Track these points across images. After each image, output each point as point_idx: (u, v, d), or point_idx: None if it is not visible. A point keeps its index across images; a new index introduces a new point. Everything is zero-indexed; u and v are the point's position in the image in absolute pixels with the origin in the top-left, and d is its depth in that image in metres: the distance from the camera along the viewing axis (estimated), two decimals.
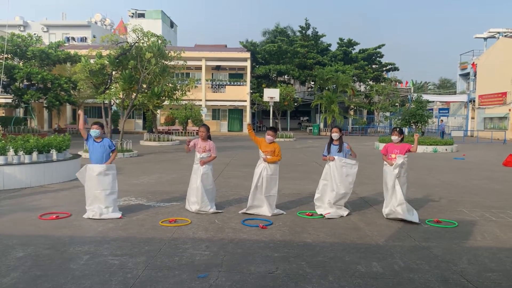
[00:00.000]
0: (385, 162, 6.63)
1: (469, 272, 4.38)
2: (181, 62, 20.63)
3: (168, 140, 23.22)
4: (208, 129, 6.99)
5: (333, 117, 36.69)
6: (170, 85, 20.64)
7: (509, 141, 29.79)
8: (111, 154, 6.61)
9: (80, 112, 6.78)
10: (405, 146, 6.57)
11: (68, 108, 37.46)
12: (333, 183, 6.73)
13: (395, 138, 6.63)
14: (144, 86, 17.92)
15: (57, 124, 34.91)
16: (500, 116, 34.67)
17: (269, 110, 31.14)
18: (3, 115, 31.79)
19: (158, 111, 29.87)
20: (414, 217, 6.32)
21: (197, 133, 7.33)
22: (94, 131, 6.50)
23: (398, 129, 6.70)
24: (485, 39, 42.50)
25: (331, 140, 6.92)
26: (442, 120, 34.42)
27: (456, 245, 5.30)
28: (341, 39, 44.38)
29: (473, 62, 40.32)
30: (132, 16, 51.41)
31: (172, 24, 57.33)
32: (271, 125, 30.23)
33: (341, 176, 6.69)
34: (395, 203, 6.34)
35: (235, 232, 5.73)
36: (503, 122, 34.53)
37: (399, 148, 6.54)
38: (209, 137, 6.98)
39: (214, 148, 6.94)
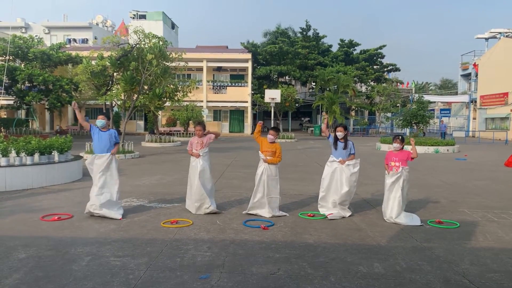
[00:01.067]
0: (386, 171, 6.62)
1: (471, 272, 4.38)
2: (182, 63, 20.67)
3: (169, 141, 23.24)
4: (204, 127, 7.03)
5: (334, 117, 36.67)
6: (172, 86, 20.68)
7: (511, 142, 29.72)
8: (114, 145, 6.69)
9: (74, 104, 6.86)
10: (405, 153, 6.51)
11: (70, 109, 37.52)
12: (337, 183, 6.73)
13: (396, 145, 6.57)
14: (146, 87, 17.95)
15: (58, 126, 34.98)
16: (502, 116, 34.61)
17: (271, 111, 31.15)
18: (5, 116, 31.86)
19: (160, 112, 29.87)
20: (414, 220, 6.32)
21: None
22: (100, 121, 6.61)
23: (400, 137, 6.65)
24: (486, 39, 42.42)
25: (336, 138, 6.91)
26: (442, 121, 34.18)
27: (458, 245, 5.29)
28: (342, 40, 44.39)
29: (475, 63, 40.24)
30: (133, 18, 51.50)
31: (173, 26, 57.41)
32: (272, 126, 30.30)
33: (347, 175, 6.70)
34: (393, 215, 6.32)
35: (237, 233, 5.73)
36: (505, 123, 34.46)
37: (398, 156, 6.49)
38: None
39: (211, 135, 6.93)
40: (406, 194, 6.48)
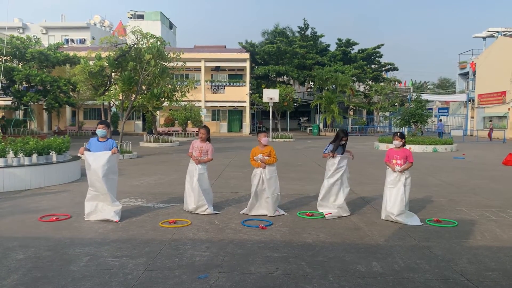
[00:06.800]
0: (387, 167, 6.61)
1: (469, 271, 4.39)
2: (180, 63, 20.66)
3: (167, 141, 23.20)
4: (208, 131, 7.00)
5: (332, 117, 36.71)
6: (170, 86, 20.69)
7: (508, 140, 29.80)
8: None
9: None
10: (405, 151, 6.54)
11: (68, 110, 37.49)
12: (338, 184, 6.73)
13: (396, 142, 6.56)
14: (144, 87, 17.94)
15: (56, 126, 34.89)
16: (500, 115, 34.70)
17: (269, 111, 31.15)
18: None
19: (158, 112, 29.86)
20: (414, 220, 6.31)
21: (196, 134, 7.36)
22: (101, 131, 6.40)
23: (399, 133, 6.63)
24: (484, 38, 42.52)
25: (339, 142, 6.87)
26: (440, 120, 34.07)
27: (456, 244, 5.30)
28: (340, 39, 44.38)
29: (472, 62, 40.34)
30: (131, 18, 51.46)
31: (171, 25, 57.38)
32: (270, 126, 30.31)
33: (345, 173, 6.75)
34: (395, 212, 6.29)
35: (235, 232, 5.74)
36: (503, 121, 34.55)
37: (400, 154, 6.48)
38: (208, 139, 6.98)
39: (211, 150, 6.94)
40: (408, 193, 6.46)
